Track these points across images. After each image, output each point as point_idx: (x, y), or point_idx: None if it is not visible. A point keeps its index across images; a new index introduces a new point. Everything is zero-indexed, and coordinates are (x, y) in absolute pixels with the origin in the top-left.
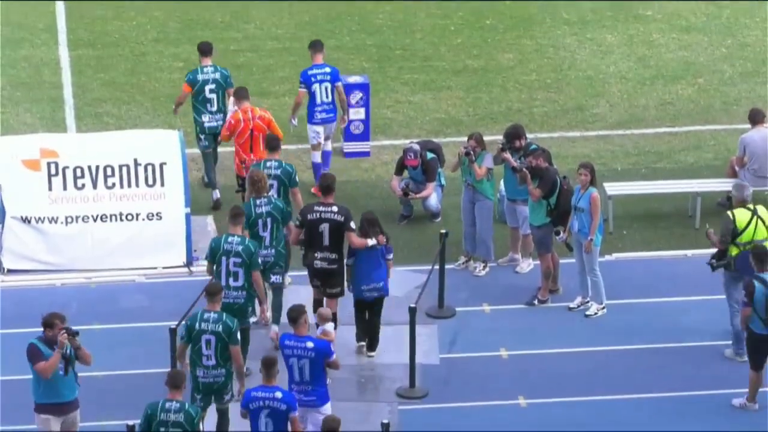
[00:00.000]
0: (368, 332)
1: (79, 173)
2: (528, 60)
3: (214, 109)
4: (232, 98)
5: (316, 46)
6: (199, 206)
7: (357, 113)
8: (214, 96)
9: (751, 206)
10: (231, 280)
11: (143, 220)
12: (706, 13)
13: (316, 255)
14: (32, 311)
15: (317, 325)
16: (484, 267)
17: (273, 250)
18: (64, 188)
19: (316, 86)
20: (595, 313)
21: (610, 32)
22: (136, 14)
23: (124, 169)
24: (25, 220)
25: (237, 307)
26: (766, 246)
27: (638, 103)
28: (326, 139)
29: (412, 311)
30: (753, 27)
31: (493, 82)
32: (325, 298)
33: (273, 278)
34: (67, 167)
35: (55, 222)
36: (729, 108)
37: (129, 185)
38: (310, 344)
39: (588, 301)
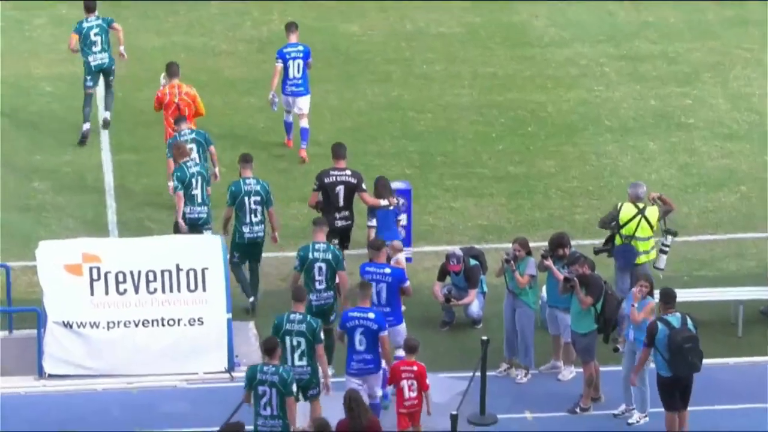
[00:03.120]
0: None
1: (121, 278)
2: (570, 167)
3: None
4: (163, 73)
5: (290, 27)
6: (239, 311)
7: (399, 219)
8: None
9: (640, 205)
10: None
11: (185, 325)
12: (748, 122)
13: (335, 216)
14: (73, 416)
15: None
16: (526, 374)
17: (206, 207)
18: (106, 293)
19: (290, 62)
20: (637, 421)
21: (652, 140)
22: None
23: (166, 275)
24: (67, 325)
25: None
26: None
27: (680, 211)
28: (302, 116)
29: (454, 418)
30: None
31: (534, 189)
32: None
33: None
34: (110, 272)
35: (97, 327)
36: None
37: (171, 290)
38: (387, 270)
39: (632, 408)
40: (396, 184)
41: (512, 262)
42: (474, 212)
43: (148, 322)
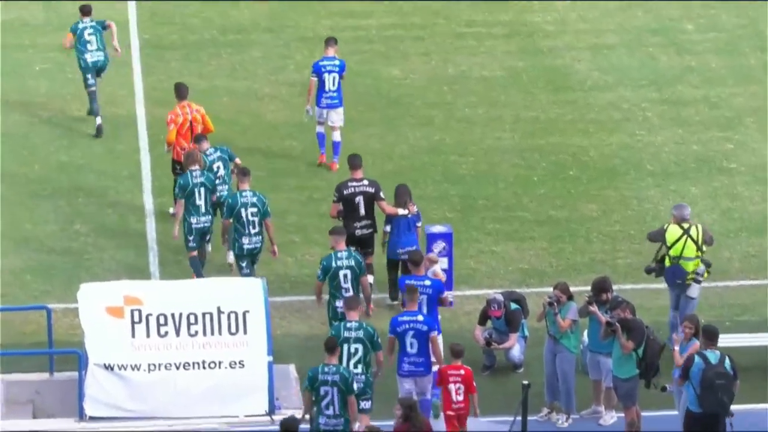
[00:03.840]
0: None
1: (162, 321)
2: (611, 211)
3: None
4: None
5: (329, 41)
6: (281, 355)
7: (440, 263)
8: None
9: (685, 225)
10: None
11: (226, 368)
12: None
13: (355, 225)
14: None
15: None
16: (567, 419)
17: (210, 217)
18: (148, 335)
19: (325, 75)
20: None
21: (693, 184)
22: None
23: (207, 317)
24: (108, 367)
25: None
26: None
27: (722, 255)
28: (333, 129)
29: None
30: None
31: (576, 233)
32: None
33: None
34: (151, 315)
35: (138, 369)
36: None
37: (212, 333)
38: (427, 282)
39: None
40: (437, 228)
41: (554, 306)
42: (515, 256)
43: (189, 364)
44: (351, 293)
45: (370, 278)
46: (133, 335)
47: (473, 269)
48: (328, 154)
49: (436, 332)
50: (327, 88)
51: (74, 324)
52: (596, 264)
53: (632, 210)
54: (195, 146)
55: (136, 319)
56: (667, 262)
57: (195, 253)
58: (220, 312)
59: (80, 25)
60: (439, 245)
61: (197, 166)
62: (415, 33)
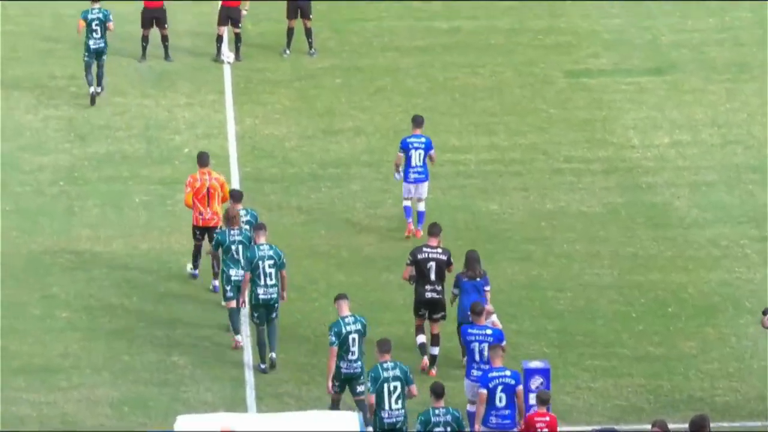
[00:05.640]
0: None
1: None
2: (710, 348)
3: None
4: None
5: (416, 120)
6: None
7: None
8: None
9: None
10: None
11: None
12: None
13: (426, 288)
14: None
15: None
16: None
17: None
18: None
19: (412, 152)
20: None
21: None
22: (319, 295)
23: None
24: None
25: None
26: None
27: None
28: (419, 200)
29: None
30: None
31: (674, 370)
32: (428, 323)
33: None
34: None
35: None
36: None
37: None
38: (489, 331)
39: None
40: (535, 363)
41: None
42: (613, 392)
43: None
44: (356, 357)
45: (435, 350)
46: None
47: (570, 405)
48: (414, 224)
49: (522, 386)
50: (414, 164)
51: None
52: (694, 401)
53: (731, 347)
54: (235, 205)
55: None
56: None
57: (234, 303)
58: None
59: (89, 16)
60: (537, 380)
61: (236, 226)
62: (514, 168)
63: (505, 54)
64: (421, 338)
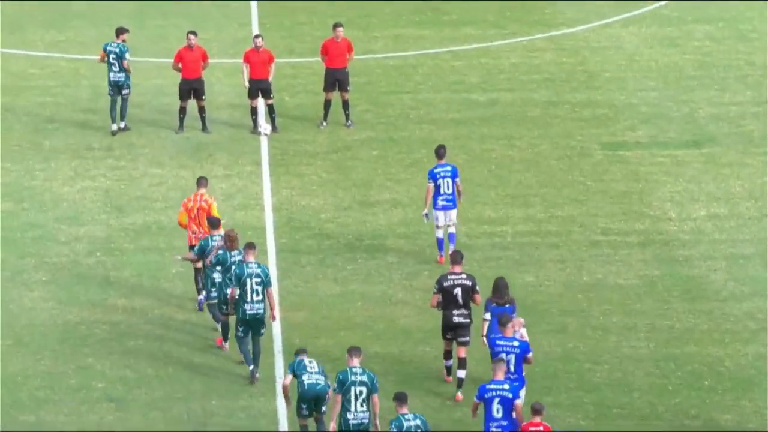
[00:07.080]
0: None
1: None
2: (747, 421)
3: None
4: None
5: (439, 151)
6: None
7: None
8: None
9: None
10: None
11: None
12: None
13: (453, 312)
14: None
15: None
16: None
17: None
18: None
19: (440, 180)
20: None
21: None
22: None
23: None
24: None
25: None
26: None
27: None
28: (450, 225)
29: None
30: None
31: None
32: (456, 347)
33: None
34: None
35: None
36: None
37: None
38: (516, 342)
39: None
40: None
41: None
42: None
43: None
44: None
45: (461, 373)
46: None
47: None
48: (446, 252)
49: (520, 399)
50: (442, 191)
51: None
52: None
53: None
54: (212, 231)
55: None
56: None
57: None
58: None
59: (109, 48)
60: None
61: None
62: (550, 240)
63: (542, 126)
64: (449, 363)
